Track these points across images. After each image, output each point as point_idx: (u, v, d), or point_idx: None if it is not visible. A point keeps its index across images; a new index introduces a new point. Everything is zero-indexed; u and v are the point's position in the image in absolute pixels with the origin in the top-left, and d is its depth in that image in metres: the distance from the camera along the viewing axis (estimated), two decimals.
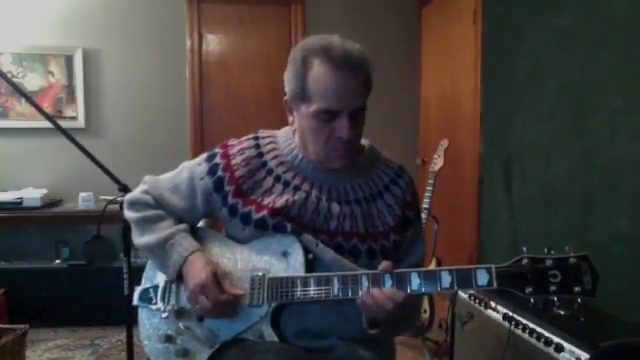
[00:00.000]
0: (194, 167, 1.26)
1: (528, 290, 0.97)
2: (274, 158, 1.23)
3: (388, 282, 1.05)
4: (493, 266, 1.00)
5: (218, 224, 1.30)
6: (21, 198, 3.17)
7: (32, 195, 3.21)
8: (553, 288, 0.96)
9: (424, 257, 1.29)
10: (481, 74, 3.03)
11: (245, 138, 1.28)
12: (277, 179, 1.20)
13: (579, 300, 0.96)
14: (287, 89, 1.17)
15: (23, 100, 2.62)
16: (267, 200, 1.18)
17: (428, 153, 3.33)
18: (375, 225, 1.20)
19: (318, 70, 1.09)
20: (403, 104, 3.96)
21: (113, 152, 3.22)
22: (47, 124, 1.85)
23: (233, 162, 1.22)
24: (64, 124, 1.94)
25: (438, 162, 2.67)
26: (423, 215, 2.55)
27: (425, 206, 2.63)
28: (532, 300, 0.98)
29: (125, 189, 1.78)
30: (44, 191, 3.31)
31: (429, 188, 2.68)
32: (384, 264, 1.06)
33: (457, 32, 3.35)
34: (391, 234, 1.20)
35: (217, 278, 1.12)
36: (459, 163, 3.17)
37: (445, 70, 3.55)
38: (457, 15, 3.35)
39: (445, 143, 2.69)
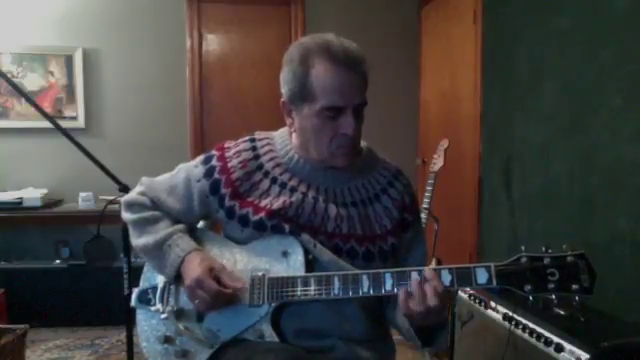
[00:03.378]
0: (190, 169, 1.26)
1: (527, 288, 0.97)
2: (270, 160, 1.23)
3: (388, 281, 1.04)
4: (492, 264, 1.00)
5: (218, 225, 1.30)
6: (21, 198, 3.18)
7: (32, 195, 3.21)
8: (551, 286, 0.96)
9: (426, 258, 1.28)
10: (481, 74, 3.02)
11: (241, 140, 1.28)
12: (274, 181, 1.20)
13: (577, 298, 0.96)
14: (284, 90, 1.16)
15: (23, 100, 2.62)
16: (264, 202, 1.18)
17: (428, 153, 3.32)
18: (373, 227, 1.19)
19: (320, 68, 1.09)
20: (403, 104, 3.96)
21: (113, 152, 3.23)
22: (47, 124, 1.86)
23: (229, 164, 1.22)
24: (64, 124, 1.94)
25: (438, 162, 2.67)
26: (423, 215, 2.55)
27: (425, 206, 2.63)
28: (531, 298, 0.98)
29: (125, 189, 1.78)
30: (44, 191, 3.31)
31: (429, 188, 2.68)
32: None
33: (457, 32, 3.35)
34: (389, 237, 1.20)
35: (214, 273, 1.12)
36: (459, 163, 3.17)
37: (445, 70, 3.55)
38: (457, 15, 3.35)
39: (445, 143, 2.69)
